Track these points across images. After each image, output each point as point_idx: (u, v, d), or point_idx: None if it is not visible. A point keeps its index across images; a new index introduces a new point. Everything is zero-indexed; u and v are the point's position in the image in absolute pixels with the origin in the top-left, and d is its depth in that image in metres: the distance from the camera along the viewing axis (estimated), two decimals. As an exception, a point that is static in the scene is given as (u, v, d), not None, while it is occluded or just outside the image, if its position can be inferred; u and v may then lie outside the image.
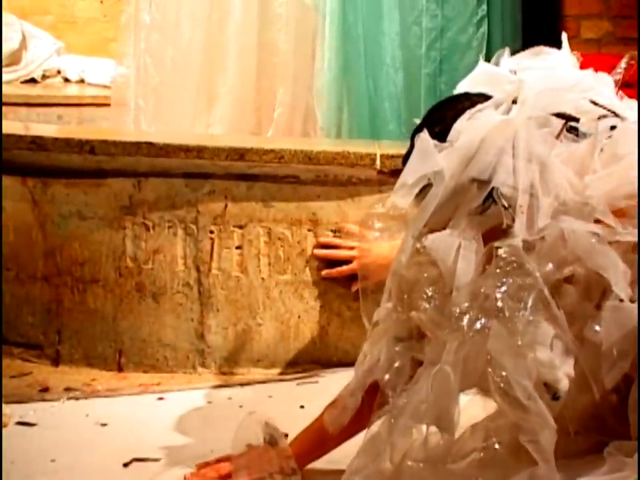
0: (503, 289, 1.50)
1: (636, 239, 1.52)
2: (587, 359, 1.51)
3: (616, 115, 1.66)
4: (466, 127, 1.61)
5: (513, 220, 1.54)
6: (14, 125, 3.07)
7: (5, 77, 4.98)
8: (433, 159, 1.59)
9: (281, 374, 2.45)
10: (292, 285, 2.45)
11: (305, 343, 2.47)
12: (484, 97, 1.68)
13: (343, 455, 1.75)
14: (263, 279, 2.45)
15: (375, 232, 2.20)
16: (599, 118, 1.64)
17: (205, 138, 2.96)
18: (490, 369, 1.48)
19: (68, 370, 2.49)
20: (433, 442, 1.60)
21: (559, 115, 1.63)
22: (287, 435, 1.87)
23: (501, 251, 1.52)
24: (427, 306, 1.58)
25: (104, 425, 2.11)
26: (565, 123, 1.62)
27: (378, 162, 2.42)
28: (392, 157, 2.41)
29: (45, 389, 2.34)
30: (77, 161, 2.47)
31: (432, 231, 1.60)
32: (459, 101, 1.70)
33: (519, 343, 1.47)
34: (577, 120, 1.63)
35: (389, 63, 3.39)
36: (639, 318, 1.48)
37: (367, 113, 3.39)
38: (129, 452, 1.94)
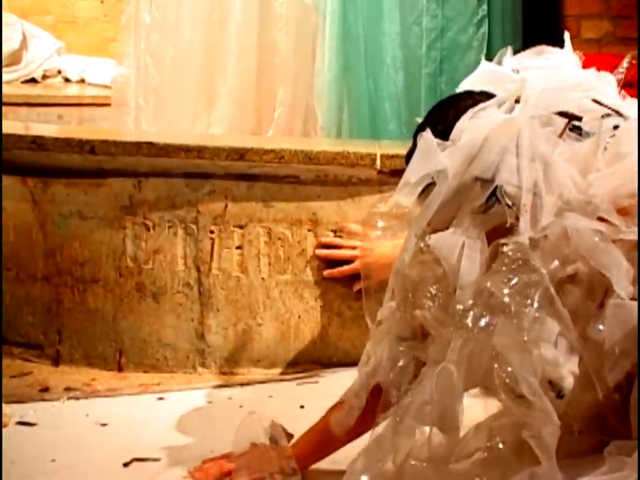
0: (510, 285, 1.50)
1: None
2: (591, 357, 1.51)
3: (619, 113, 1.66)
4: (469, 126, 1.61)
5: (517, 218, 1.54)
6: (14, 124, 3.07)
7: (5, 77, 4.98)
8: (436, 158, 1.59)
9: (281, 374, 2.45)
10: (292, 284, 2.45)
11: (305, 343, 2.46)
12: (486, 96, 1.68)
13: (344, 456, 1.75)
14: (263, 278, 2.45)
15: (377, 231, 2.20)
16: (602, 117, 1.64)
17: (205, 138, 2.96)
18: (496, 365, 1.48)
19: (68, 370, 2.49)
20: (436, 441, 1.60)
21: (561, 114, 1.63)
22: (292, 435, 1.87)
23: (507, 248, 1.52)
24: (431, 304, 1.58)
25: (104, 424, 2.11)
26: (568, 122, 1.62)
27: (378, 162, 2.42)
28: (392, 157, 2.41)
29: (45, 389, 2.34)
30: (77, 161, 2.47)
31: (435, 230, 1.60)
32: (461, 99, 1.70)
33: (525, 339, 1.47)
34: (579, 119, 1.63)
35: (390, 63, 3.39)
36: (639, 317, 1.48)
37: (367, 112, 3.39)
38: (129, 452, 1.94)
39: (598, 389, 1.51)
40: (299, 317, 2.46)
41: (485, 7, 3.47)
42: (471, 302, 1.52)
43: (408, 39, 3.41)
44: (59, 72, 5.41)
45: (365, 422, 1.70)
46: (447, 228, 1.59)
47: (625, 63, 1.84)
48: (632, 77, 1.91)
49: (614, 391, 1.55)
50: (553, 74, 1.74)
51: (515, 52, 1.84)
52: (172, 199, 2.45)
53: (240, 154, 2.41)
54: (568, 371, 1.48)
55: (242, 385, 2.39)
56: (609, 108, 1.66)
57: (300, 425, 1.91)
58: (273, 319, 2.45)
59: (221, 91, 3.44)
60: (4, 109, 3.55)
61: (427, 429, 1.59)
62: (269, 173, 2.43)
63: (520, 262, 1.51)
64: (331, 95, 3.38)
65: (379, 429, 1.63)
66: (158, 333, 2.47)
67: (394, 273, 1.67)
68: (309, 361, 2.47)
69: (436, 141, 1.60)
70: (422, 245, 1.61)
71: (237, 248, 2.45)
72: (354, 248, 2.40)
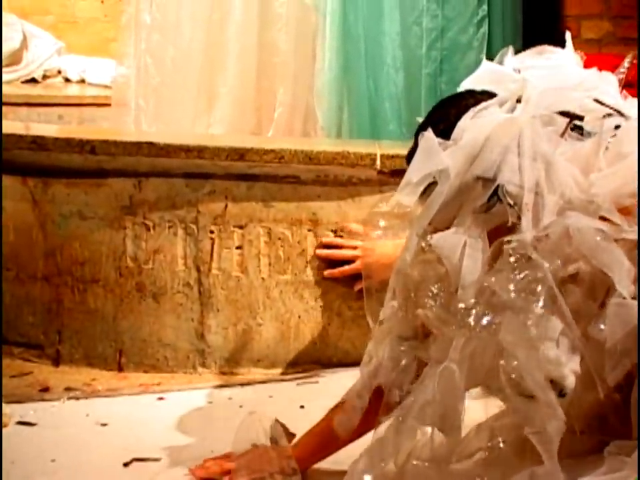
0: (515, 281, 1.50)
1: None
2: (592, 357, 1.51)
3: (620, 113, 1.66)
4: (470, 125, 1.61)
5: (518, 218, 1.54)
6: (14, 124, 3.07)
7: (5, 77, 4.98)
8: (437, 157, 1.59)
9: (281, 374, 2.45)
10: (292, 285, 2.45)
11: (305, 343, 2.47)
12: (488, 95, 1.68)
13: (346, 456, 1.75)
14: (263, 279, 2.45)
15: (378, 230, 2.20)
16: (603, 117, 1.64)
17: (205, 138, 2.96)
18: (501, 361, 1.48)
19: (68, 370, 2.49)
20: (437, 441, 1.60)
21: (563, 114, 1.63)
22: (294, 435, 1.87)
23: (510, 245, 1.52)
24: (433, 303, 1.58)
25: (104, 424, 2.11)
26: (570, 122, 1.62)
27: (378, 162, 2.42)
28: (392, 157, 2.41)
29: (45, 389, 2.34)
30: (77, 161, 2.47)
31: (437, 230, 1.60)
32: (463, 98, 1.70)
33: (532, 335, 1.47)
34: (581, 118, 1.63)
35: (390, 63, 3.39)
36: (639, 316, 1.48)
37: (367, 113, 3.39)
38: (129, 452, 1.94)
39: (599, 388, 1.51)
40: (299, 317, 2.46)
41: (485, 7, 3.47)
42: (473, 301, 1.52)
43: (408, 39, 3.41)
44: (59, 72, 5.42)
45: (367, 422, 1.70)
46: (449, 227, 1.59)
47: (626, 63, 1.84)
48: (633, 77, 1.90)
49: (614, 390, 1.55)
50: (554, 74, 1.73)
51: (515, 52, 1.84)
52: (172, 199, 2.45)
53: (240, 154, 2.41)
54: (570, 370, 1.48)
55: (242, 385, 2.39)
56: (611, 108, 1.66)
57: (300, 425, 1.91)
58: (273, 319, 2.46)
59: (221, 91, 3.44)
60: (4, 108, 3.55)
61: (429, 429, 1.59)
62: (269, 173, 2.43)
63: (523, 259, 1.51)
64: (331, 95, 3.38)
65: (382, 429, 1.62)
66: (158, 333, 2.47)
67: (395, 273, 1.67)
68: (309, 361, 2.47)
69: (437, 140, 1.60)
70: (423, 244, 1.61)
71: (237, 248, 2.45)
72: (355, 248, 2.41)
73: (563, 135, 1.61)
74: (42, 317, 2.54)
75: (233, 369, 2.46)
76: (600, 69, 1.78)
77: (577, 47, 1.86)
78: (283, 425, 1.88)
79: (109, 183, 2.47)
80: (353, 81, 3.40)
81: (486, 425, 1.69)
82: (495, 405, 1.71)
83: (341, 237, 2.44)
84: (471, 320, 1.52)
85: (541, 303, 1.48)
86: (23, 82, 5.27)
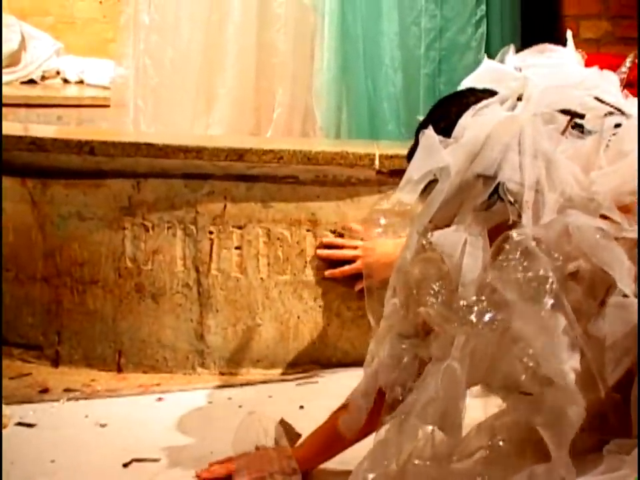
0: (520, 275, 1.50)
1: None
2: (593, 355, 1.51)
3: (621, 112, 1.66)
4: (471, 123, 1.61)
5: (519, 216, 1.54)
6: (13, 125, 3.07)
7: (4, 78, 4.98)
8: (438, 155, 1.59)
9: (280, 374, 2.45)
10: (291, 285, 2.45)
11: (304, 344, 2.47)
12: (489, 93, 1.68)
13: (351, 457, 1.75)
14: (262, 279, 2.45)
15: (379, 228, 2.20)
16: (604, 115, 1.64)
17: (204, 139, 2.96)
18: (515, 348, 1.48)
19: (67, 371, 2.49)
20: (438, 440, 1.60)
21: (564, 112, 1.63)
22: (300, 435, 1.87)
23: (514, 238, 1.52)
24: (435, 301, 1.58)
25: (103, 425, 2.11)
26: (571, 119, 1.62)
27: (377, 162, 2.42)
28: (391, 157, 2.41)
29: (45, 390, 2.34)
30: (76, 162, 2.47)
31: (437, 228, 1.60)
32: (463, 96, 1.70)
33: (546, 322, 1.47)
34: (582, 116, 1.63)
35: (388, 63, 3.40)
36: (639, 315, 1.48)
37: (366, 113, 3.39)
38: (128, 452, 1.94)
39: (600, 386, 1.51)
40: (298, 317, 2.46)
41: (483, 7, 3.47)
42: (474, 298, 1.52)
43: (407, 39, 3.42)
44: (58, 73, 5.42)
45: (372, 422, 1.69)
46: (449, 225, 1.59)
47: (627, 63, 1.84)
48: (634, 77, 1.90)
49: (615, 389, 1.55)
50: (556, 72, 1.73)
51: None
52: (171, 200, 2.45)
53: (239, 154, 2.41)
54: (570, 367, 1.48)
55: (241, 385, 2.39)
56: (612, 106, 1.66)
57: (300, 425, 1.91)
58: (272, 320, 2.46)
59: (219, 91, 3.44)
60: (3, 109, 3.55)
61: (430, 428, 1.59)
62: (268, 173, 2.43)
63: (526, 255, 1.51)
64: (329, 95, 3.38)
65: (384, 429, 1.62)
66: (157, 334, 2.47)
67: (396, 271, 1.67)
68: (308, 361, 2.47)
69: (438, 138, 1.61)
70: (424, 242, 1.61)
71: (236, 248, 2.45)
72: (355, 248, 2.41)
73: (564, 132, 1.61)
74: (41, 317, 2.54)
75: (232, 369, 2.46)
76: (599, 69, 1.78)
77: (575, 46, 1.86)
78: (288, 425, 1.88)
79: (108, 184, 2.47)
80: (352, 81, 3.40)
81: (487, 424, 1.69)
82: (494, 405, 1.71)
83: (341, 236, 2.44)
84: (473, 317, 1.52)
85: (551, 293, 1.48)
86: (21, 83, 5.27)
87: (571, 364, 1.47)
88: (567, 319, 1.48)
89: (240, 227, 2.45)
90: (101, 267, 2.48)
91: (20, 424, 2.10)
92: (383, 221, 2.17)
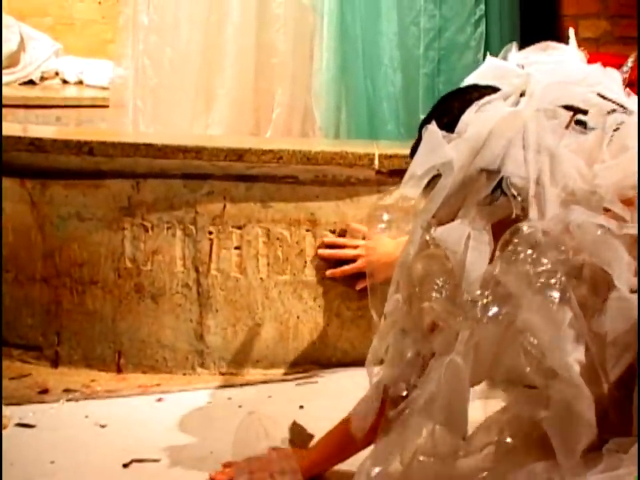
0: (533, 265, 1.50)
1: None
2: (596, 350, 1.50)
3: (624, 108, 1.66)
4: (474, 119, 1.61)
5: (522, 209, 1.54)
6: (12, 126, 3.06)
7: (3, 79, 4.97)
8: (441, 150, 1.59)
9: (280, 374, 2.45)
10: (291, 285, 2.45)
11: (304, 343, 2.46)
12: (492, 89, 1.68)
13: (355, 458, 1.75)
14: (261, 279, 2.45)
15: (382, 224, 2.20)
16: (607, 113, 1.64)
17: (203, 139, 2.96)
18: (523, 340, 1.48)
19: (67, 371, 2.48)
20: (442, 437, 1.59)
21: (567, 107, 1.63)
22: (312, 436, 1.87)
23: (525, 229, 1.52)
24: (439, 296, 1.58)
25: (103, 426, 2.11)
26: (573, 115, 1.62)
27: (376, 162, 2.42)
28: (390, 156, 2.41)
29: (44, 391, 2.34)
30: (75, 162, 2.47)
31: (440, 223, 1.60)
32: (467, 92, 1.70)
33: (554, 315, 1.47)
34: (585, 112, 1.63)
35: (387, 63, 3.40)
36: (639, 312, 1.48)
37: (365, 113, 3.39)
38: (128, 453, 1.94)
39: (604, 383, 1.51)
40: (298, 317, 2.46)
41: (482, 6, 3.47)
42: (478, 292, 1.52)
43: (406, 39, 3.42)
44: (57, 74, 5.41)
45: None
46: (453, 220, 1.59)
47: (629, 63, 1.84)
48: (635, 77, 1.91)
49: (616, 387, 1.55)
50: (558, 69, 1.74)
51: (514, 52, 1.84)
52: (170, 200, 2.45)
53: (238, 154, 2.41)
54: (574, 359, 1.47)
55: (241, 385, 2.39)
56: (615, 102, 1.66)
57: (299, 425, 1.92)
58: (271, 320, 2.45)
59: (219, 92, 3.45)
60: (2, 110, 3.55)
61: (434, 424, 1.58)
62: (268, 173, 2.43)
63: (536, 246, 1.51)
64: (329, 95, 3.38)
65: (388, 425, 1.62)
66: (157, 334, 2.47)
67: (399, 266, 1.67)
68: (308, 361, 2.47)
69: (441, 133, 1.61)
70: (427, 237, 1.61)
71: (236, 248, 2.45)
72: (356, 247, 2.41)
73: (567, 126, 1.61)
74: (41, 318, 2.54)
75: (232, 369, 2.46)
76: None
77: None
78: (301, 427, 1.88)
79: (107, 184, 2.47)
80: (351, 81, 3.40)
81: (494, 420, 1.69)
82: (494, 405, 1.71)
83: (343, 236, 2.44)
84: (478, 311, 1.51)
85: (560, 285, 1.48)
86: (20, 84, 5.27)
87: (575, 356, 1.47)
88: (573, 312, 1.48)
89: (239, 227, 2.45)
90: (101, 268, 2.48)
91: (20, 425, 2.10)
92: (386, 217, 2.17)
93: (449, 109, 1.67)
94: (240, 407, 2.21)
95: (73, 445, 2.00)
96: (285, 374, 2.45)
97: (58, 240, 2.51)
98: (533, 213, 1.53)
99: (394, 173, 2.38)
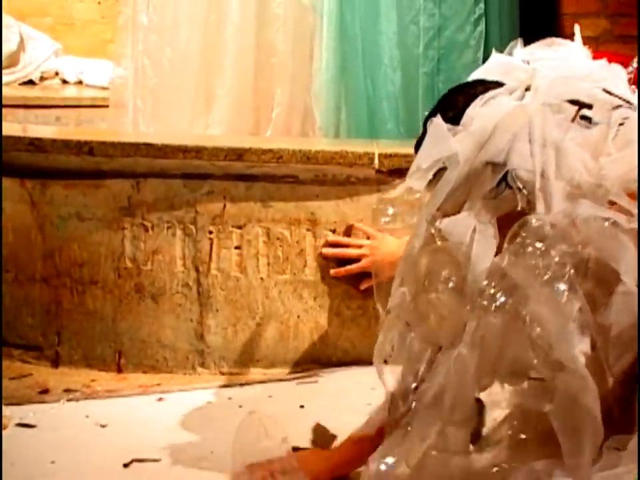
0: (542, 257, 1.50)
1: None
2: (601, 344, 1.50)
3: (629, 103, 1.66)
4: (479, 113, 1.61)
5: (528, 202, 1.54)
6: (12, 126, 3.06)
7: (3, 79, 4.97)
8: (447, 143, 1.59)
9: (280, 374, 2.45)
10: (291, 284, 2.45)
11: (304, 343, 2.46)
12: (497, 84, 1.68)
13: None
14: (262, 278, 2.45)
15: (386, 217, 2.20)
16: (612, 109, 1.64)
17: (203, 138, 2.96)
18: (530, 331, 1.47)
19: (67, 371, 2.48)
20: (451, 432, 1.59)
21: (572, 102, 1.63)
22: (335, 436, 1.86)
23: (533, 222, 1.52)
24: (445, 287, 1.58)
25: (104, 426, 2.11)
26: (579, 110, 1.62)
27: (376, 161, 2.42)
28: (390, 156, 2.41)
29: (45, 391, 2.34)
30: (75, 162, 2.47)
31: (446, 216, 1.60)
32: (472, 87, 1.70)
33: (560, 308, 1.47)
34: (590, 107, 1.63)
35: (387, 63, 3.39)
36: (639, 309, 1.48)
37: (365, 112, 3.39)
38: (128, 453, 1.94)
39: (608, 377, 1.51)
40: (298, 316, 2.46)
41: (482, 5, 3.47)
42: (485, 283, 1.52)
43: (405, 38, 3.41)
44: (57, 74, 5.41)
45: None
46: (458, 213, 1.59)
47: (634, 63, 1.85)
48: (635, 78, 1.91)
49: (620, 382, 1.55)
50: (564, 64, 1.74)
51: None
52: (170, 200, 2.45)
53: (238, 154, 2.41)
54: (580, 351, 1.47)
55: (241, 385, 2.39)
56: (620, 98, 1.66)
57: (300, 424, 1.92)
58: (272, 319, 2.45)
59: (218, 92, 3.44)
60: (2, 110, 3.55)
61: (441, 419, 1.58)
62: (268, 172, 2.43)
63: (544, 239, 1.51)
64: (328, 94, 3.38)
65: (399, 417, 1.62)
66: (157, 334, 2.47)
67: (404, 259, 1.66)
68: (308, 361, 2.47)
69: (447, 126, 1.61)
70: (433, 230, 1.61)
71: (236, 248, 2.45)
72: (360, 247, 2.41)
73: (573, 120, 1.61)
74: (41, 318, 2.54)
75: (232, 369, 2.46)
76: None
77: (574, 45, 1.86)
78: (323, 428, 1.88)
79: (107, 184, 2.47)
80: (351, 81, 3.40)
81: (507, 415, 1.69)
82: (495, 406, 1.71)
83: (348, 235, 2.44)
84: (485, 302, 1.51)
85: (562, 284, 1.48)
86: (20, 84, 5.27)
87: (581, 348, 1.47)
88: (580, 305, 1.48)
89: (239, 227, 2.44)
90: (101, 268, 2.48)
91: (20, 425, 2.10)
92: (390, 211, 2.17)
93: (454, 103, 1.67)
94: (240, 406, 2.21)
95: (73, 444, 2.00)
96: (286, 373, 2.45)
97: (58, 240, 2.51)
98: (540, 206, 1.53)
99: (394, 172, 2.38)
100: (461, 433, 1.58)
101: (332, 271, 2.44)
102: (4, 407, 2.11)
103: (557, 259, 1.49)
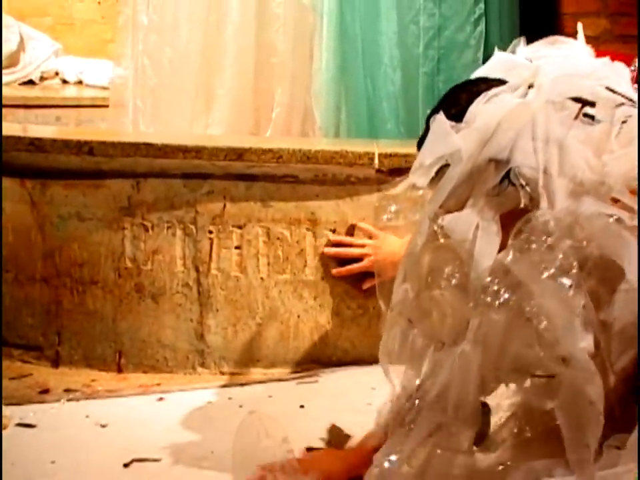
0: (547, 254, 1.50)
1: None
2: (604, 342, 1.50)
3: (632, 101, 1.66)
4: (482, 110, 1.61)
5: (531, 199, 1.54)
6: (12, 126, 3.06)
7: (3, 79, 4.98)
8: (450, 139, 1.59)
9: (280, 374, 2.45)
10: (291, 284, 2.45)
11: (304, 343, 2.46)
12: (500, 82, 1.68)
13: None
14: (262, 278, 2.45)
15: (388, 214, 2.19)
16: (615, 107, 1.64)
17: (203, 138, 2.96)
18: (537, 325, 1.47)
19: (68, 371, 2.48)
20: (455, 430, 1.59)
21: (575, 100, 1.63)
22: (349, 436, 1.86)
23: (538, 218, 1.52)
24: (448, 284, 1.58)
25: (104, 425, 2.11)
26: (582, 107, 1.62)
27: (376, 161, 2.42)
28: (390, 155, 2.41)
29: (45, 391, 2.34)
30: (75, 162, 2.47)
31: (448, 213, 1.60)
32: (475, 84, 1.71)
33: (566, 303, 1.47)
34: (593, 104, 1.63)
35: (387, 62, 3.39)
36: (639, 307, 1.48)
37: (365, 112, 3.39)
38: (129, 453, 1.94)
39: (610, 375, 1.51)
40: (298, 316, 2.46)
41: (482, 5, 3.47)
42: (488, 279, 1.52)
43: (405, 38, 3.41)
44: (57, 73, 5.42)
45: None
46: (460, 210, 1.59)
47: (636, 63, 1.85)
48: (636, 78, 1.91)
49: (622, 380, 1.55)
50: (567, 62, 1.74)
51: (513, 50, 1.84)
52: (170, 200, 2.45)
53: (238, 154, 2.41)
54: (584, 346, 1.47)
55: (242, 384, 2.39)
56: (623, 96, 1.66)
57: (300, 424, 1.91)
58: (272, 319, 2.45)
59: (218, 92, 3.44)
60: (2, 110, 3.55)
61: (445, 417, 1.58)
62: (268, 172, 2.43)
63: (549, 235, 1.51)
64: (328, 94, 3.38)
65: (402, 415, 1.62)
66: (157, 334, 2.47)
67: (406, 256, 1.66)
68: (308, 361, 2.47)
69: (449, 123, 1.61)
70: (435, 227, 1.61)
71: (236, 248, 2.45)
72: (363, 246, 2.41)
73: (576, 117, 1.61)
74: (41, 318, 2.54)
75: (232, 369, 2.46)
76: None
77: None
78: (338, 428, 1.88)
79: (107, 184, 2.47)
80: (351, 81, 3.40)
81: (512, 413, 1.69)
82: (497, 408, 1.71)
83: (351, 234, 2.44)
84: (488, 298, 1.51)
85: (568, 280, 1.48)
86: (20, 84, 5.27)
87: (584, 345, 1.47)
88: (584, 301, 1.48)
89: (239, 227, 2.44)
90: (101, 268, 2.48)
91: (20, 425, 2.10)
92: (393, 208, 2.17)
93: (457, 100, 1.67)
94: (240, 406, 2.21)
95: (73, 444, 2.00)
96: (286, 373, 2.45)
97: (58, 240, 2.51)
98: (543, 203, 1.53)
99: (394, 172, 2.38)
100: (465, 431, 1.58)
101: (333, 271, 2.44)
102: (4, 407, 2.11)
103: (562, 255, 1.49)
